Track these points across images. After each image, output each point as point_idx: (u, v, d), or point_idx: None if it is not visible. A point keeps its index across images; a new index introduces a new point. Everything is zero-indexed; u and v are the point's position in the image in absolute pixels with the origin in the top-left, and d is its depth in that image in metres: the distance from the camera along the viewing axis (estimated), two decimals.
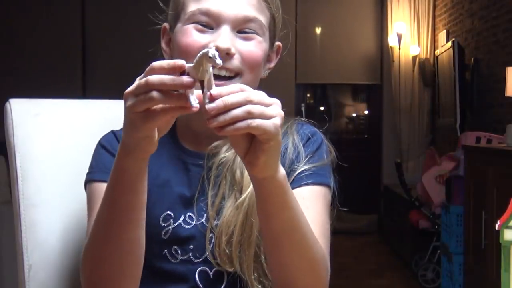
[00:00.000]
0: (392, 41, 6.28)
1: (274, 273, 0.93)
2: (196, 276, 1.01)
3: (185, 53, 0.97)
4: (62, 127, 1.18)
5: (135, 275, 0.91)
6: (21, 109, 1.16)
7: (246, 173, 1.02)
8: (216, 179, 1.03)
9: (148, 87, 0.72)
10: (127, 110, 0.75)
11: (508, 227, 0.74)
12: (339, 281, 4.57)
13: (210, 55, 0.71)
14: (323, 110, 7.50)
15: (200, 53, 0.72)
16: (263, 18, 1.00)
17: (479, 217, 3.19)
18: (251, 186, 1.00)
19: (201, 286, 1.00)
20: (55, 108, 1.21)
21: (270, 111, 0.75)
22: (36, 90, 2.67)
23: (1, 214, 3.19)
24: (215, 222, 1.00)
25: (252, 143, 0.77)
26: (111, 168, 1.00)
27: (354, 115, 7.51)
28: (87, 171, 1.05)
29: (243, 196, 1.00)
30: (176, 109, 0.73)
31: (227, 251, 0.99)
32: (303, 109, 7.00)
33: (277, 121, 0.75)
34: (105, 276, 0.90)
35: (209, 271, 1.01)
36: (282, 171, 0.82)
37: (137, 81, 0.75)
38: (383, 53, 6.67)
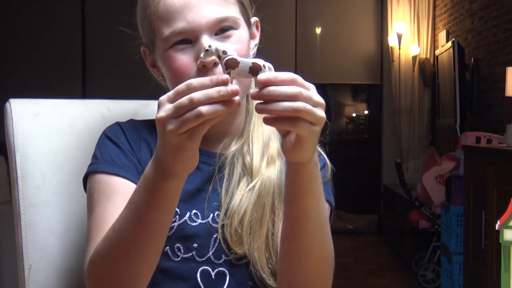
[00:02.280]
0: (392, 41, 6.28)
1: (284, 263, 0.93)
2: (198, 275, 1.00)
3: (178, 77, 0.97)
4: (62, 127, 1.18)
5: (147, 282, 0.90)
6: (21, 109, 1.15)
7: (255, 158, 1.03)
8: (229, 176, 1.03)
9: (193, 105, 0.72)
10: (169, 134, 0.74)
11: (508, 227, 0.74)
12: (339, 281, 4.57)
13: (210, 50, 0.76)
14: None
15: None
16: (232, 10, 1.00)
17: (479, 217, 3.19)
18: (262, 170, 1.02)
19: (202, 286, 1.00)
20: (55, 108, 1.21)
21: (317, 114, 0.76)
22: (36, 90, 2.68)
23: (1, 214, 3.19)
24: (224, 221, 1.00)
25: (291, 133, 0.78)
26: (116, 159, 1.00)
27: (354, 115, 7.51)
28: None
29: (255, 180, 1.01)
30: (218, 117, 0.74)
31: (238, 230, 0.99)
32: None
33: (319, 128, 0.77)
34: (118, 284, 0.89)
35: (211, 271, 1.01)
36: (315, 158, 0.83)
37: (167, 103, 0.74)
38: (383, 53, 6.68)
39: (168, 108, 0.74)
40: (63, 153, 1.16)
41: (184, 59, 0.97)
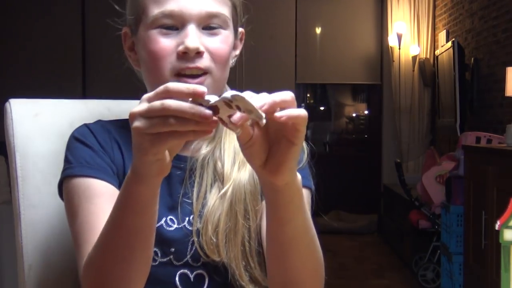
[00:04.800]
0: (392, 41, 6.28)
1: (276, 277, 0.92)
2: (177, 279, 1.00)
3: (155, 60, 0.97)
4: (62, 127, 1.18)
5: (142, 284, 0.89)
6: (21, 109, 1.15)
7: (226, 164, 1.02)
8: (200, 179, 1.02)
9: (163, 112, 0.69)
10: (134, 131, 0.71)
11: (508, 227, 0.75)
12: (339, 281, 4.57)
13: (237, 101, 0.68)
14: (323, 110, 7.51)
15: (228, 96, 0.68)
16: (226, 10, 0.99)
17: (479, 217, 3.19)
18: (234, 176, 1.01)
19: None
20: (55, 108, 1.21)
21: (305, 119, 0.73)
22: (36, 90, 2.68)
23: (1, 214, 3.19)
24: (198, 225, 0.99)
25: (272, 151, 0.74)
26: (91, 161, 0.98)
27: (354, 115, 7.51)
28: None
29: (226, 186, 1.00)
30: (190, 133, 0.70)
31: (214, 240, 0.98)
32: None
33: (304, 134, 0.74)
34: (112, 286, 0.87)
35: (190, 274, 1.00)
36: (298, 175, 0.81)
37: (146, 102, 0.71)
38: (383, 53, 6.68)
39: (143, 105, 0.71)
40: (63, 153, 1.16)
41: (166, 42, 0.96)
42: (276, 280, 0.92)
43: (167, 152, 0.74)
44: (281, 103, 0.71)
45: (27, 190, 1.12)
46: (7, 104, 1.15)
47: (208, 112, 0.69)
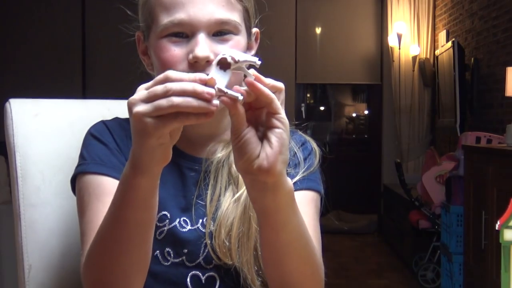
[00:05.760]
0: (392, 41, 6.28)
1: (275, 281, 0.92)
2: (188, 280, 1.00)
3: (166, 68, 0.95)
4: (62, 127, 1.18)
5: (141, 279, 0.89)
6: (21, 109, 1.16)
7: None
8: (214, 182, 1.02)
9: (166, 93, 0.70)
10: (135, 117, 0.72)
11: (508, 227, 0.75)
12: (339, 281, 4.57)
13: (229, 61, 0.73)
14: (323, 110, 7.51)
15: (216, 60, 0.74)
16: (236, 15, 0.99)
17: (479, 217, 3.19)
18: None
19: None
20: (55, 108, 1.21)
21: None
22: (36, 90, 2.68)
23: (1, 214, 3.19)
24: (212, 228, 0.99)
25: (263, 143, 0.76)
26: (105, 159, 0.99)
27: (354, 115, 7.51)
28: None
29: (241, 190, 1.00)
30: (193, 116, 0.71)
31: (226, 243, 0.98)
32: (303, 109, 7.00)
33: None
34: (111, 283, 0.87)
35: (202, 276, 1.00)
36: (289, 179, 0.81)
37: (143, 90, 0.72)
38: (383, 53, 6.68)
39: (141, 93, 0.73)
40: (63, 153, 1.16)
41: (176, 51, 0.96)
42: (274, 283, 0.92)
43: (169, 137, 0.74)
44: (272, 87, 0.75)
45: (27, 190, 1.12)
46: (7, 104, 1.15)
47: (211, 90, 0.71)
